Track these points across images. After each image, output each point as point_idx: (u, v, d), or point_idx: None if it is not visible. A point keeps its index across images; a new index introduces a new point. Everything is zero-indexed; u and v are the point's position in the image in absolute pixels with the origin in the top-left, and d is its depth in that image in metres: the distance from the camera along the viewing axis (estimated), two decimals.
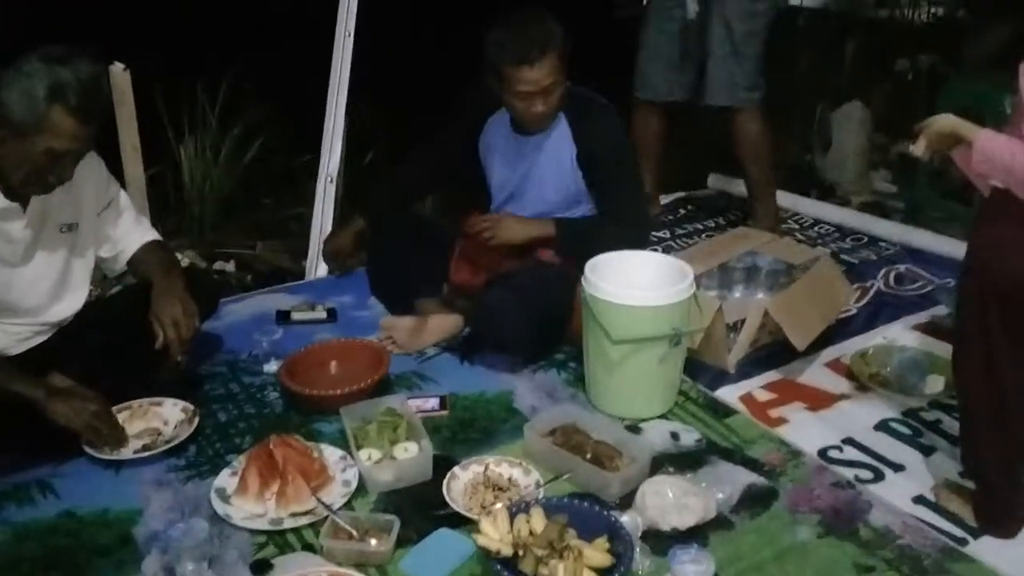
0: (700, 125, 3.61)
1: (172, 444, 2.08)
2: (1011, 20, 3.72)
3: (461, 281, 2.70)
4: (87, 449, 2.04)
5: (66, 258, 2.13)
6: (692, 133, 3.85)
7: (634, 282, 2.19)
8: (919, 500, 1.94)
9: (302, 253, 3.65)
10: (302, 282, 3.09)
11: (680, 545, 1.65)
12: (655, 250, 2.78)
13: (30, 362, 2.10)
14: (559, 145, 2.50)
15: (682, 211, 3.73)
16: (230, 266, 3.61)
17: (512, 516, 1.72)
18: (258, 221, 3.94)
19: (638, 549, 1.69)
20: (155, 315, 2.09)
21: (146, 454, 2.05)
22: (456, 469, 1.95)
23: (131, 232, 2.28)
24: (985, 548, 1.79)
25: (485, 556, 1.66)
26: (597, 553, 1.65)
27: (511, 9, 2.37)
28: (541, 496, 1.86)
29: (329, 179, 3.21)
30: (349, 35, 3.19)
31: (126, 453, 2.06)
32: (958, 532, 1.84)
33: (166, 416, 2.20)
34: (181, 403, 2.22)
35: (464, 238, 2.74)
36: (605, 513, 1.75)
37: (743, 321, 2.39)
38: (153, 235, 2.32)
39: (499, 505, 1.81)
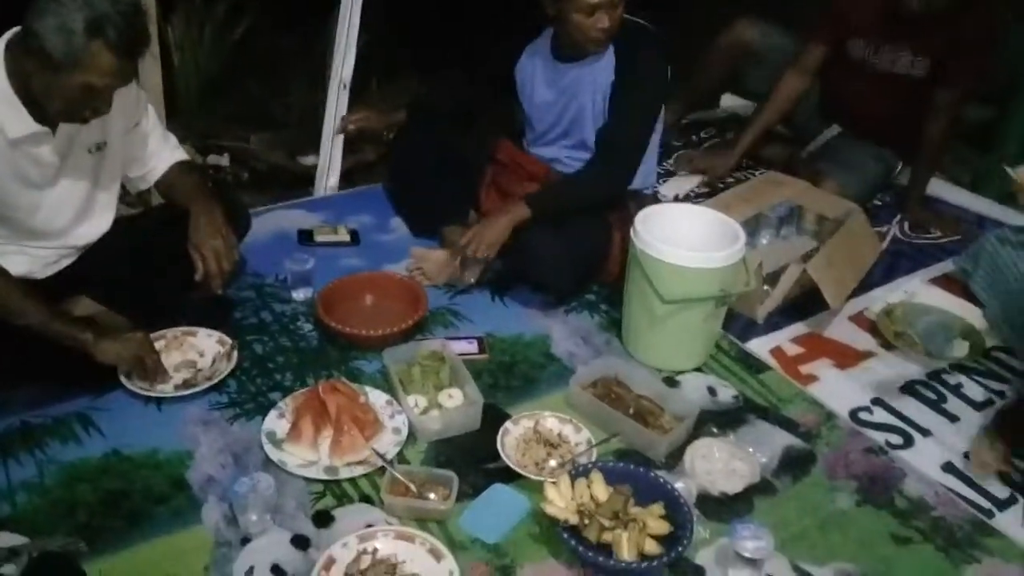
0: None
1: (214, 381, 2.04)
2: None
3: (490, 210, 2.64)
4: (127, 384, 2.00)
5: (94, 178, 2.03)
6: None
7: (683, 238, 2.17)
8: (948, 468, 2.02)
9: (297, 148, 3.55)
10: (318, 197, 3.00)
11: (738, 520, 1.70)
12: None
13: (57, 286, 2.04)
14: (601, 75, 2.41)
15: (703, 134, 3.66)
16: (224, 160, 3.48)
17: (572, 480, 1.76)
18: (245, 109, 3.77)
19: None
20: (195, 246, 2.03)
21: (189, 392, 2.01)
22: (508, 424, 1.96)
23: (160, 151, 2.18)
24: (1008, 521, 1.89)
25: (551, 523, 1.70)
26: (658, 522, 1.70)
27: None
28: (595, 457, 1.89)
29: (342, 85, 3.06)
30: None
31: (167, 389, 2.02)
32: (984, 503, 1.93)
33: (201, 347, 2.16)
34: (216, 334, 2.18)
35: (494, 165, 2.68)
36: (661, 480, 1.79)
37: (776, 270, 2.41)
38: (182, 155, 2.22)
39: (556, 467, 1.86)
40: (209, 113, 3.70)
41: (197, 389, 2.02)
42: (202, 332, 2.18)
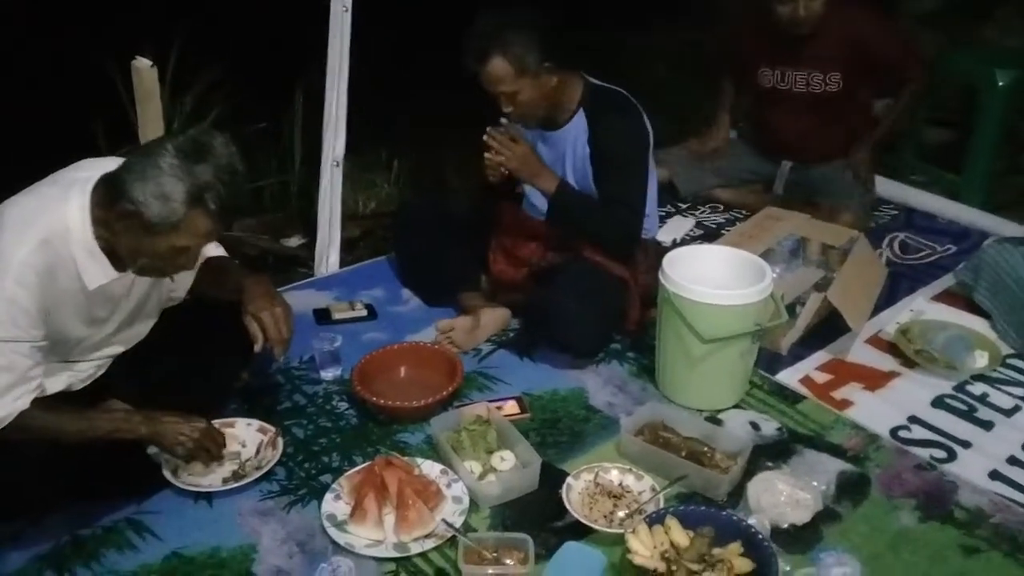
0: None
1: (265, 470, 2.00)
2: None
3: (500, 273, 2.67)
4: (173, 480, 1.95)
5: (145, 298, 1.99)
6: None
7: (711, 278, 2.21)
8: (995, 476, 2.07)
9: (279, 231, 3.54)
10: (323, 276, 2.98)
11: (821, 549, 1.72)
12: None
13: (88, 395, 1.98)
14: (577, 142, 2.44)
15: None
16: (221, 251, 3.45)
17: (650, 528, 1.75)
18: None
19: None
20: (253, 315, 2.00)
21: (240, 483, 1.97)
22: (570, 479, 1.96)
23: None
24: None
25: (638, 574, 1.69)
26: (741, 560, 1.71)
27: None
28: (662, 503, 1.89)
29: (335, 163, 3.08)
30: (346, 9, 3.03)
31: (216, 483, 1.98)
32: None
33: (242, 437, 2.11)
34: (255, 422, 2.14)
35: (498, 228, 2.70)
36: (735, 519, 1.80)
37: (792, 302, 2.47)
38: (213, 249, 2.19)
39: (624, 517, 1.85)
40: None
41: (248, 480, 1.98)
42: (240, 422, 2.14)
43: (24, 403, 1.72)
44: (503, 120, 2.35)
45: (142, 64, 2.39)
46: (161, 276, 1.84)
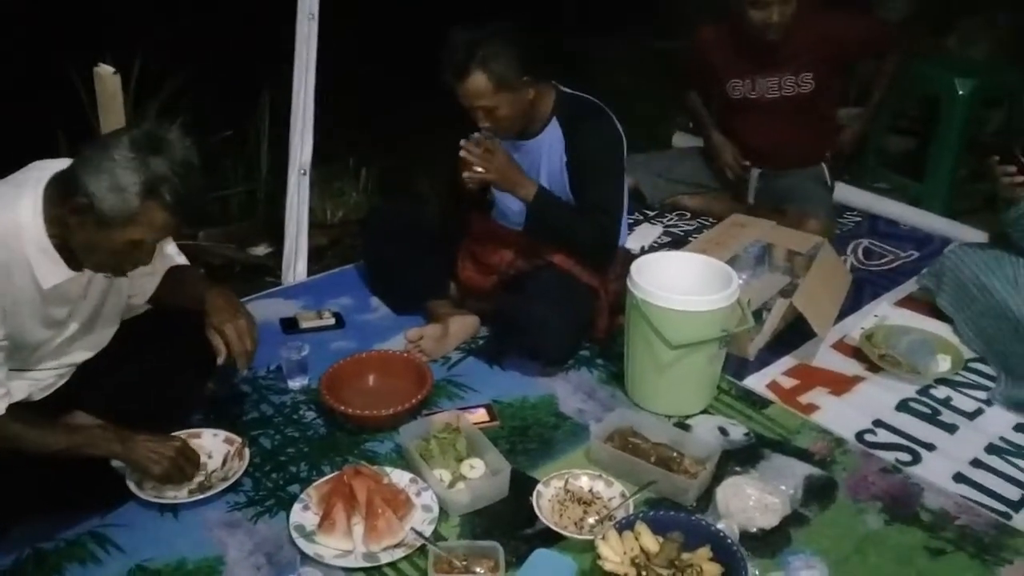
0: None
1: (231, 481, 1.98)
2: None
3: (469, 281, 2.66)
4: (138, 492, 1.92)
5: (103, 300, 1.96)
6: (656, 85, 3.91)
7: (678, 284, 2.23)
8: (959, 478, 2.10)
9: (245, 240, 3.51)
10: (291, 284, 2.96)
11: (789, 552, 1.73)
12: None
13: (52, 405, 1.95)
14: (552, 151, 2.45)
15: None
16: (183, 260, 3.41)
17: (619, 534, 1.76)
18: None
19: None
20: (216, 328, 1.97)
21: (206, 495, 1.94)
22: (540, 487, 1.95)
23: (159, 265, 2.12)
24: None
25: None
26: (711, 565, 1.71)
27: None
28: (631, 509, 1.90)
29: (301, 171, 3.06)
30: (312, 17, 3.01)
31: (181, 495, 1.95)
32: (1000, 507, 2.01)
33: (208, 448, 2.08)
34: (222, 433, 2.12)
35: (469, 236, 2.70)
36: (704, 524, 1.81)
37: (759, 308, 2.49)
38: (175, 259, 2.17)
39: (594, 524, 1.85)
40: None
41: (215, 491, 1.95)
42: (207, 433, 2.11)
43: None
44: (478, 132, 2.34)
45: (105, 71, 2.36)
46: (117, 274, 1.81)
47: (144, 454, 1.85)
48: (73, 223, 1.67)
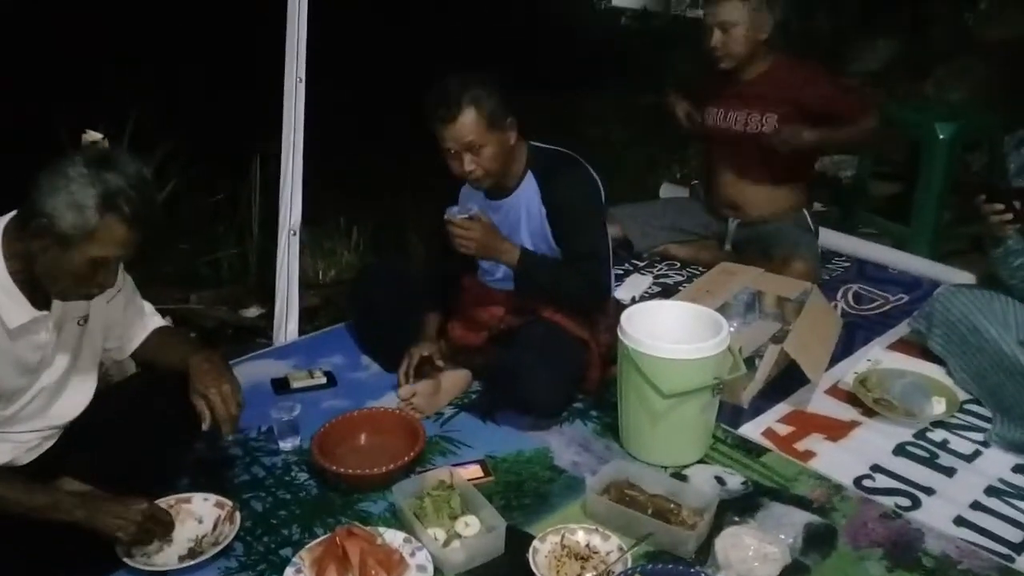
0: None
1: (222, 546, 1.95)
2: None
3: (459, 338, 2.65)
4: (128, 561, 1.88)
5: (76, 352, 1.96)
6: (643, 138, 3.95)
7: (668, 332, 2.23)
8: (959, 522, 2.07)
9: (237, 303, 3.51)
10: (282, 344, 2.95)
11: None
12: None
13: (38, 470, 1.93)
14: (530, 205, 2.45)
15: None
16: (167, 322, 3.40)
17: None
18: (177, 270, 3.72)
19: None
20: (200, 392, 1.95)
21: (197, 561, 1.91)
22: (536, 543, 1.92)
23: (139, 318, 2.13)
24: None
25: None
26: None
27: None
28: (630, 563, 1.87)
29: (292, 232, 3.08)
30: (300, 81, 3.06)
31: (171, 561, 1.91)
32: (1002, 550, 1.98)
33: (199, 513, 2.05)
34: (212, 497, 2.08)
35: (459, 296, 2.69)
36: (704, 575, 1.78)
37: (751, 355, 2.48)
38: (159, 320, 2.18)
39: None
40: (143, 278, 3.65)
41: (205, 556, 1.91)
42: (197, 497, 2.08)
43: None
44: (455, 207, 2.37)
45: (92, 137, 2.38)
46: (84, 298, 1.81)
47: (108, 520, 1.81)
48: (35, 248, 1.69)
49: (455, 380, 2.55)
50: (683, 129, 3.44)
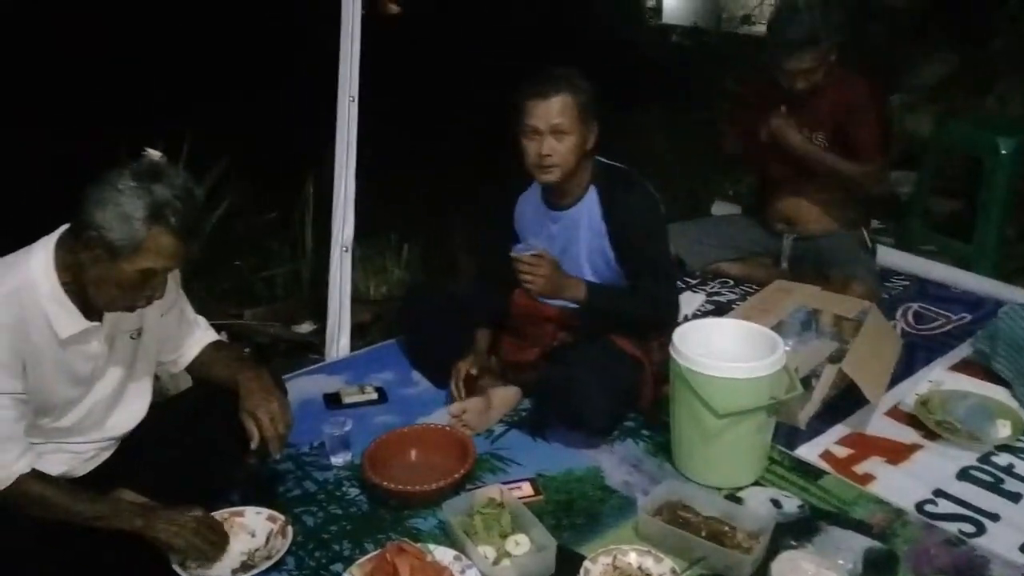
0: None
1: (274, 560, 1.96)
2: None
3: (510, 354, 2.64)
4: (182, 573, 1.90)
5: (131, 365, 2.00)
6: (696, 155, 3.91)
7: (722, 351, 2.19)
8: None
9: (290, 318, 3.54)
10: (334, 360, 2.97)
11: None
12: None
13: (96, 482, 1.96)
14: (591, 219, 2.44)
15: None
16: (223, 338, 3.45)
17: None
18: (232, 286, 3.78)
19: None
20: (249, 412, 1.98)
21: (251, 574, 1.92)
22: (587, 563, 1.90)
23: (193, 332, 2.16)
24: None
25: None
26: None
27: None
28: None
29: (344, 248, 3.10)
30: (353, 100, 3.10)
31: (225, 574, 1.93)
32: None
33: (252, 527, 2.06)
34: (265, 511, 2.10)
35: (511, 311, 2.68)
36: None
37: (807, 375, 2.43)
38: (213, 335, 2.20)
39: None
40: (199, 295, 3.71)
41: (258, 570, 1.93)
42: (250, 511, 2.10)
43: (22, 466, 1.74)
44: (521, 244, 2.38)
45: (152, 156, 2.42)
46: (130, 310, 1.84)
47: (163, 527, 1.83)
48: (85, 260, 1.72)
49: (505, 397, 2.54)
50: (737, 152, 3.41)
